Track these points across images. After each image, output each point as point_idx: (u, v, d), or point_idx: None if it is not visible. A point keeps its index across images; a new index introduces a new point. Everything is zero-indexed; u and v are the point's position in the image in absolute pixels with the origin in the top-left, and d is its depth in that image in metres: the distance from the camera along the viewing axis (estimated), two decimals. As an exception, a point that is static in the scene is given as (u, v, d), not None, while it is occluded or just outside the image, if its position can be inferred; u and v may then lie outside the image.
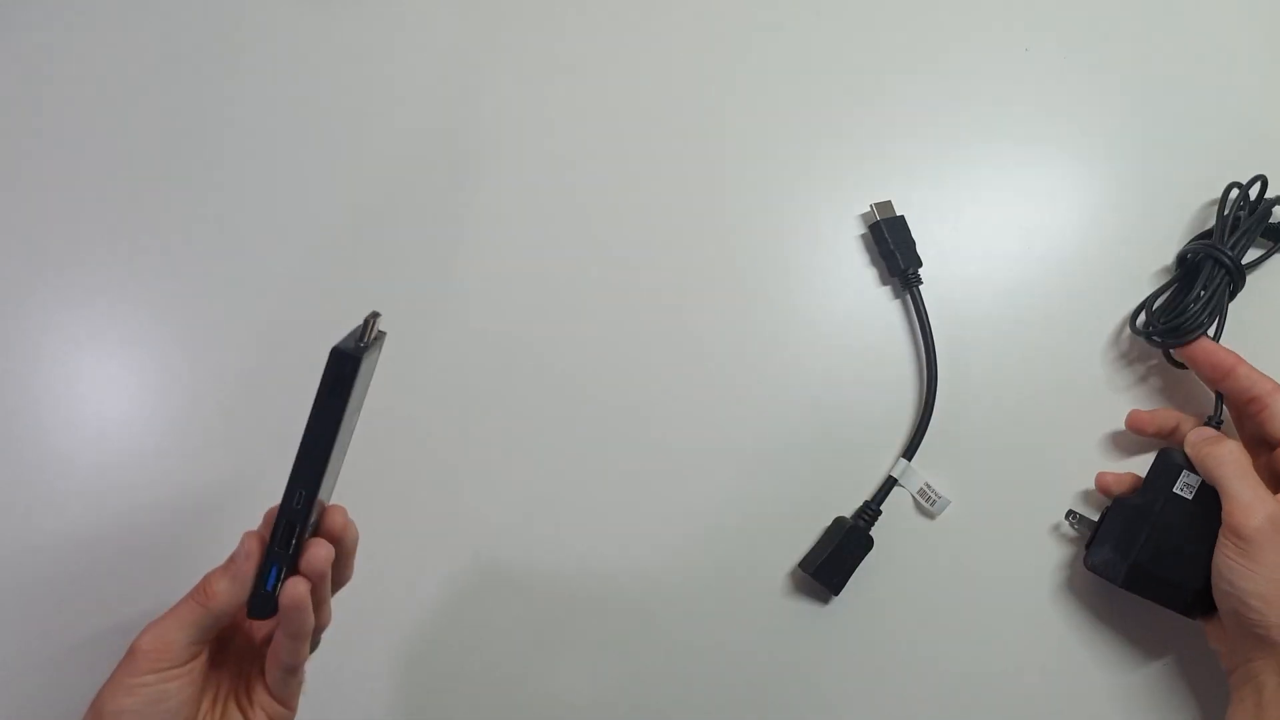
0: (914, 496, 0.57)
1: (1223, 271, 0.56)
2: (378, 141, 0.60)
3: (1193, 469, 0.53)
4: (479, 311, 0.58)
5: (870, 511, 0.56)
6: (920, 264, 0.59)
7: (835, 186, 0.61)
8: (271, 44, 0.61)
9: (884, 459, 0.57)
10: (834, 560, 0.55)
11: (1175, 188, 0.61)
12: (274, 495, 0.45)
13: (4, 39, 0.60)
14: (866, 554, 0.55)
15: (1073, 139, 0.62)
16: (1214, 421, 0.55)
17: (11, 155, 0.58)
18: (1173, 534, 0.52)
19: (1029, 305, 0.60)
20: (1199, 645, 0.53)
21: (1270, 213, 0.58)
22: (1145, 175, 0.62)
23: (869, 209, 0.60)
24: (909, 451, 0.57)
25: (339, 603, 0.44)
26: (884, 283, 0.60)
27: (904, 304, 0.60)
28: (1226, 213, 0.58)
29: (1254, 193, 0.58)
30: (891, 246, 0.58)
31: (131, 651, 0.39)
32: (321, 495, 0.41)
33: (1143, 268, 0.60)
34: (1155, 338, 0.57)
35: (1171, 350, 0.57)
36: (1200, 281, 0.56)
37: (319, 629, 0.43)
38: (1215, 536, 0.50)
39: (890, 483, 0.56)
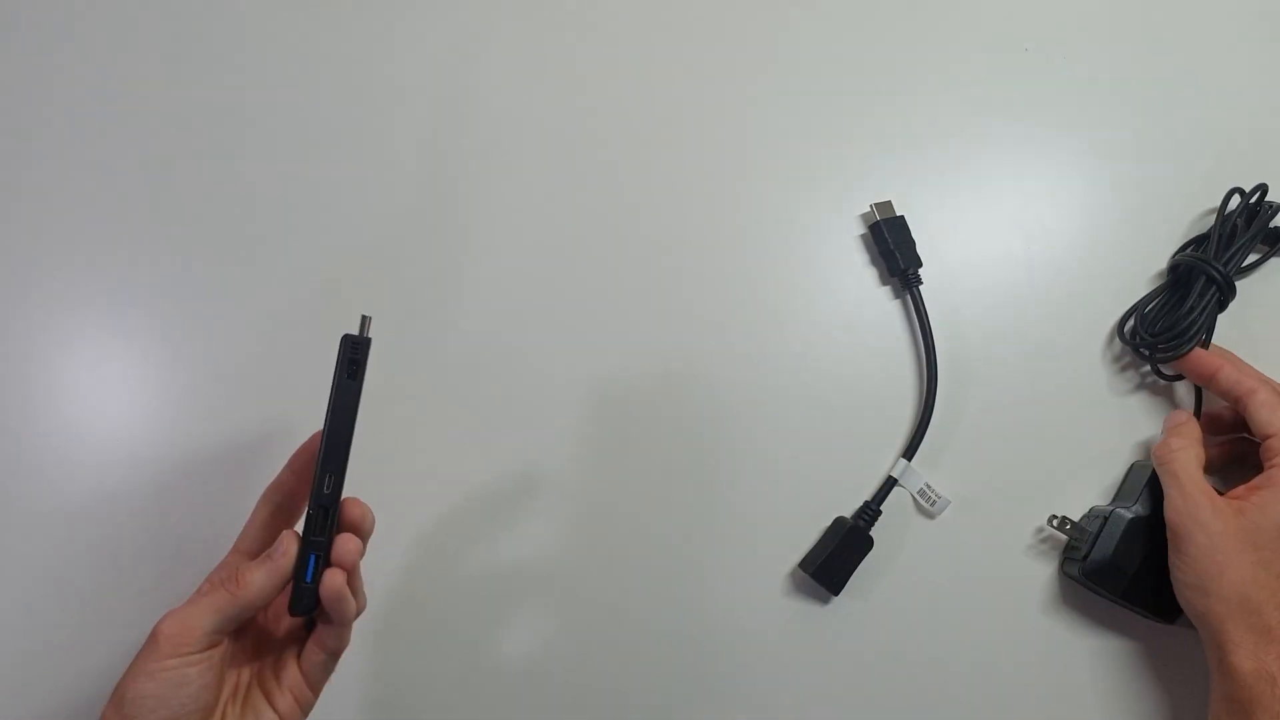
0: (914, 496, 0.57)
1: (1214, 288, 0.56)
2: (380, 142, 0.60)
3: None
4: (480, 310, 0.58)
5: (870, 511, 0.56)
6: (920, 264, 0.59)
7: (835, 186, 0.61)
8: (273, 44, 0.61)
9: (884, 459, 0.57)
10: (834, 560, 0.55)
11: (1175, 188, 0.62)
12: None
13: (4, 40, 0.59)
14: (866, 554, 0.55)
15: (1073, 139, 0.63)
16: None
17: (12, 156, 0.57)
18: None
19: (1029, 305, 0.60)
20: (1197, 643, 0.54)
21: (1269, 221, 0.58)
22: (1145, 176, 0.62)
23: (869, 209, 0.60)
24: (909, 451, 0.57)
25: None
26: (884, 283, 0.60)
27: (904, 304, 0.60)
28: (1225, 221, 0.58)
29: (1253, 200, 0.59)
30: (891, 246, 0.58)
31: (153, 636, 0.39)
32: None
33: (1143, 269, 0.60)
34: (1143, 350, 0.57)
35: (1160, 365, 0.57)
36: (1191, 298, 0.56)
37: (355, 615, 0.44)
38: None
39: (890, 483, 0.56)
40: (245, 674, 0.44)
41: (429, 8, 0.62)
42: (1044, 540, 0.57)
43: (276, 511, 0.44)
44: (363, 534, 0.44)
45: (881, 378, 0.58)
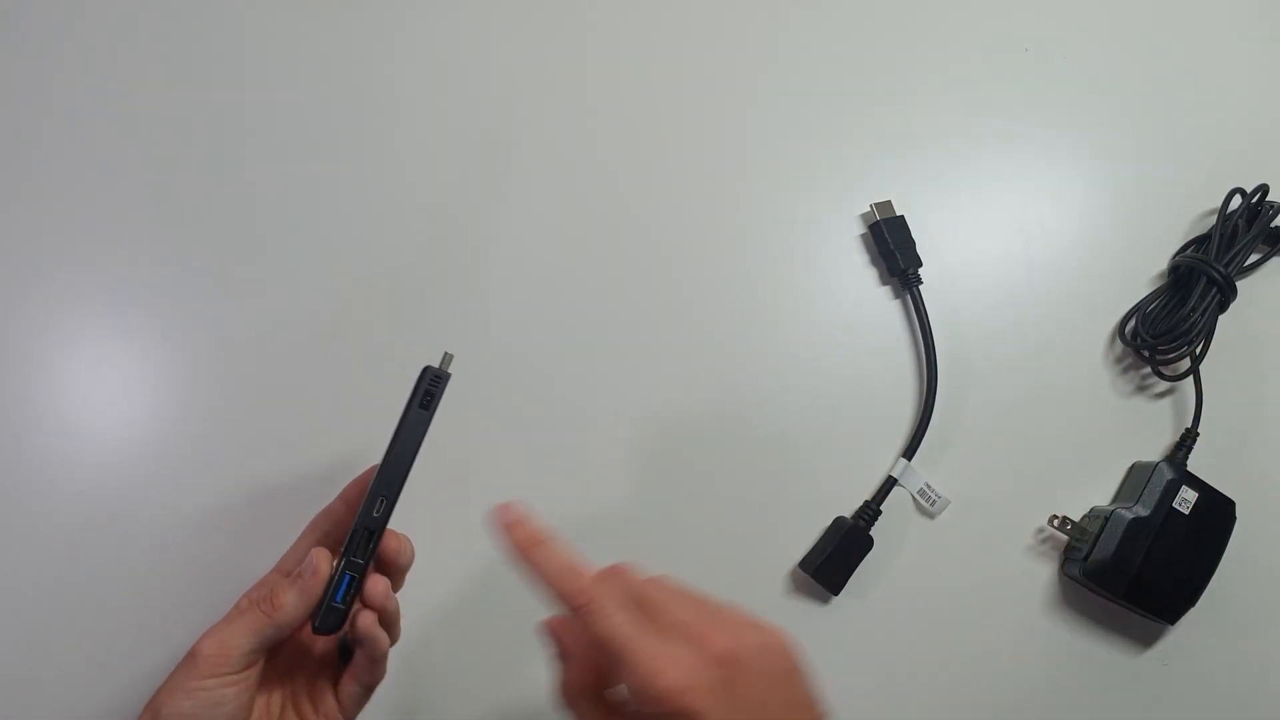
0: (914, 496, 0.57)
1: (1215, 289, 0.56)
2: (381, 143, 0.60)
3: (1190, 484, 0.54)
4: (485, 312, 0.58)
5: (870, 511, 0.56)
6: (920, 264, 0.59)
7: (835, 186, 0.61)
8: (274, 44, 0.61)
9: (884, 459, 0.57)
10: (834, 560, 0.54)
11: (1176, 188, 0.62)
12: (280, 500, 0.45)
13: (5, 41, 0.59)
14: (866, 554, 0.55)
15: (1073, 139, 0.63)
16: (1191, 435, 0.57)
17: (12, 156, 0.57)
18: (1171, 548, 0.53)
19: (1029, 306, 0.60)
20: (1198, 642, 0.54)
21: (1270, 221, 0.58)
22: (1146, 176, 0.62)
23: (869, 209, 0.60)
24: (909, 451, 0.57)
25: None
26: (884, 283, 0.60)
27: (904, 304, 0.60)
28: (1226, 221, 0.58)
29: (1254, 200, 0.59)
30: (891, 246, 0.58)
31: (192, 655, 0.39)
32: None
33: (1143, 269, 0.60)
34: (1143, 351, 0.57)
35: (1160, 366, 0.57)
36: (1192, 299, 0.56)
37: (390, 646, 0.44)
38: (1210, 549, 0.54)
39: (890, 483, 0.56)
40: (279, 696, 0.44)
41: (430, 9, 0.62)
42: (1044, 540, 0.57)
43: (323, 539, 0.44)
44: (400, 567, 0.44)
45: (881, 378, 0.58)
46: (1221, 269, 0.56)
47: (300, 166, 0.59)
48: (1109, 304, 0.60)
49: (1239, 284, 0.57)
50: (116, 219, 0.57)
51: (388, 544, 0.43)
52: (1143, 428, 0.59)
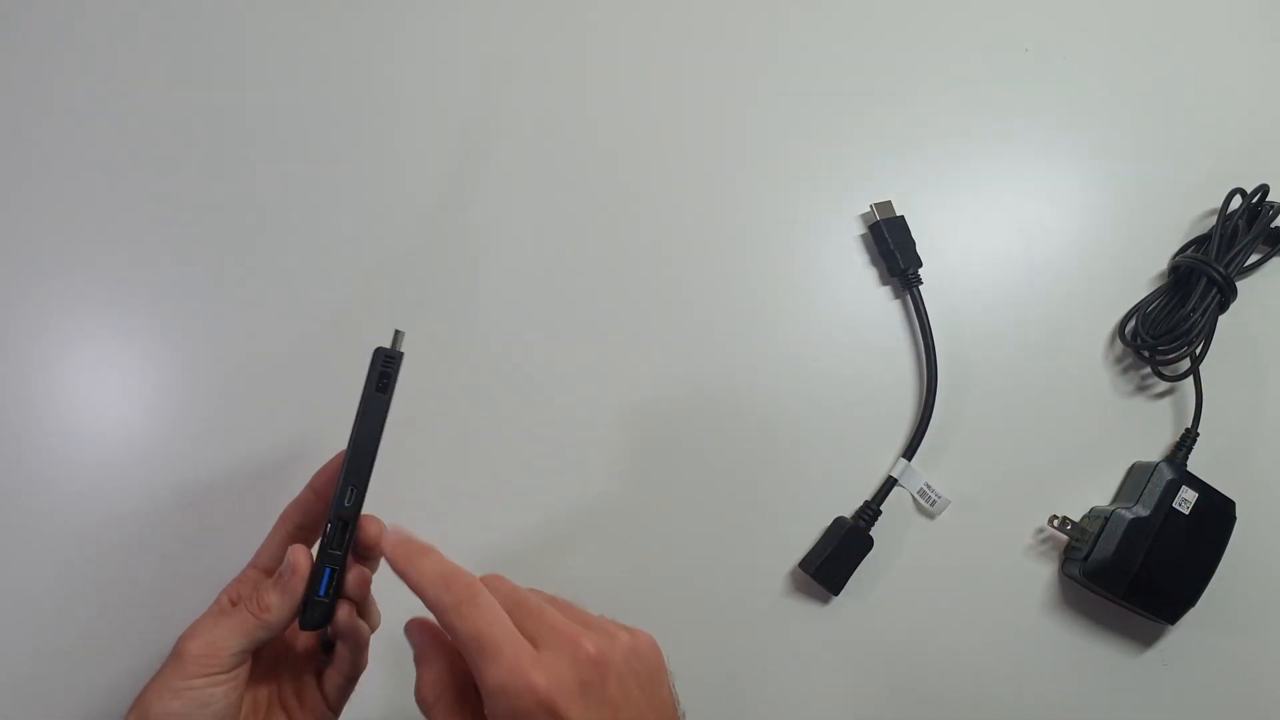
0: (914, 496, 0.57)
1: (1215, 289, 0.56)
2: (382, 144, 0.60)
3: (1190, 484, 0.54)
4: (486, 313, 0.58)
5: (870, 511, 0.56)
6: (920, 264, 0.59)
7: (835, 186, 0.61)
8: (275, 44, 0.61)
9: (884, 459, 0.57)
10: (834, 560, 0.54)
11: (1176, 188, 0.62)
12: (281, 500, 0.45)
13: (5, 41, 0.59)
14: (866, 554, 0.55)
15: (1073, 139, 0.63)
16: (1191, 435, 0.57)
17: (12, 157, 0.57)
18: (1171, 548, 0.53)
19: (1029, 306, 0.60)
20: (1198, 642, 0.54)
21: (1270, 222, 0.58)
22: (1146, 176, 0.62)
23: (869, 209, 0.60)
24: (909, 451, 0.57)
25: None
26: (884, 283, 0.60)
27: (904, 304, 0.60)
28: (1226, 221, 0.58)
29: (1254, 201, 0.59)
30: (891, 246, 0.58)
31: (179, 655, 0.39)
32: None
33: (1143, 269, 0.60)
34: (1143, 351, 0.57)
35: (1160, 367, 0.57)
36: (1192, 299, 0.56)
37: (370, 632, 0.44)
38: (1210, 549, 0.54)
39: (890, 483, 0.56)
40: (265, 692, 0.43)
41: (430, 9, 0.62)
42: (1044, 540, 0.57)
43: (297, 531, 0.44)
44: (377, 553, 0.43)
45: (881, 378, 0.58)
46: (1221, 269, 0.56)
47: (299, 166, 0.59)
48: (1109, 304, 0.60)
49: (1239, 284, 0.57)
50: (116, 219, 0.57)
51: (367, 530, 0.42)
52: (1143, 428, 0.59)
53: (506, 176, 0.60)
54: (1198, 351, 0.57)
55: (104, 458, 0.54)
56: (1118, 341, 0.59)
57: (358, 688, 0.45)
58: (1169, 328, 0.56)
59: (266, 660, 0.44)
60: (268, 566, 0.44)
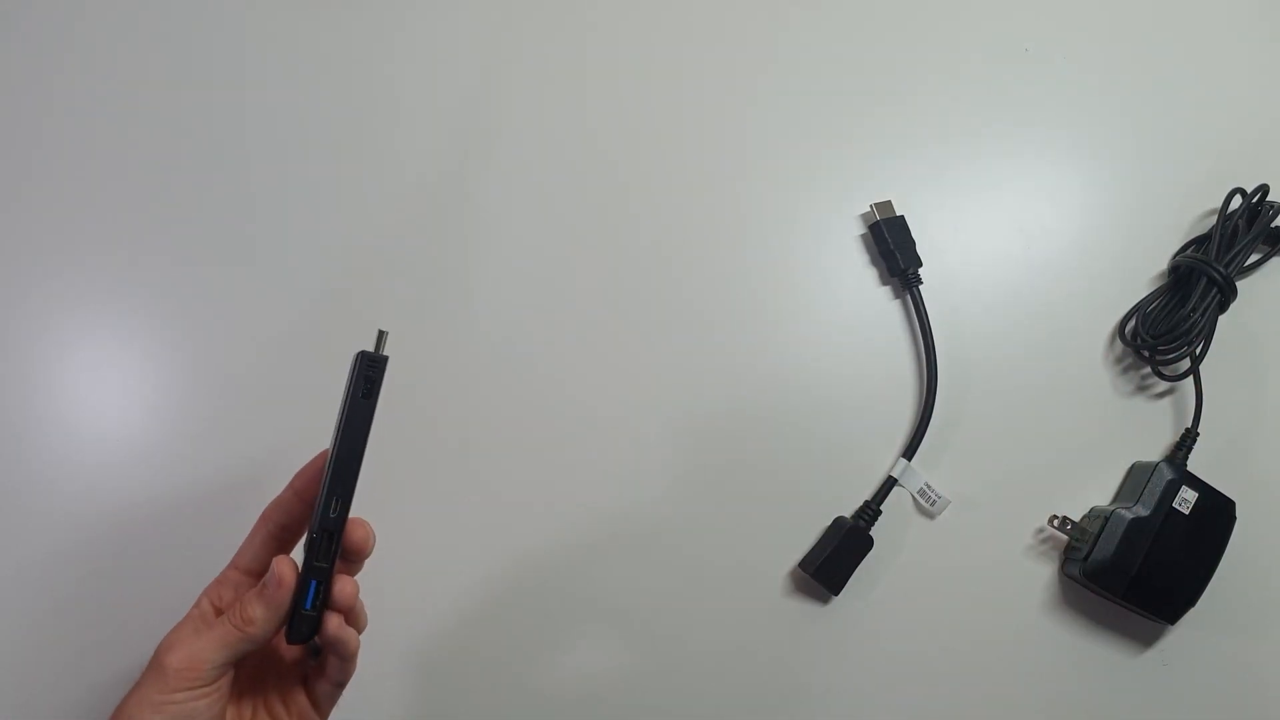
0: (914, 496, 0.57)
1: (1215, 289, 0.56)
2: (379, 143, 0.60)
3: (1190, 484, 0.54)
4: (486, 314, 0.58)
5: (870, 511, 0.56)
6: (920, 264, 0.59)
7: (835, 186, 0.61)
8: (275, 44, 0.61)
9: (884, 459, 0.57)
10: (834, 560, 0.54)
11: (1176, 188, 0.62)
12: (276, 493, 0.45)
13: (5, 41, 0.59)
14: (866, 554, 0.55)
15: (1073, 139, 0.63)
16: (1191, 435, 0.57)
17: (12, 157, 0.58)
18: (1171, 548, 0.53)
19: (1029, 306, 0.60)
20: (1198, 642, 0.54)
21: (1271, 221, 0.58)
22: (1146, 176, 0.62)
23: (869, 209, 0.60)
24: (909, 451, 0.57)
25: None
26: (884, 283, 0.60)
27: (904, 304, 0.60)
28: (1226, 221, 0.58)
29: (1254, 201, 0.59)
30: (891, 246, 0.58)
31: (160, 668, 0.39)
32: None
33: (1143, 269, 0.60)
34: (1143, 351, 0.57)
35: (1160, 367, 0.57)
36: (1192, 299, 0.56)
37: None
38: (1210, 549, 0.54)
39: (890, 483, 0.56)
40: (249, 700, 0.43)
41: (430, 9, 0.62)
42: (1044, 540, 0.57)
43: (278, 532, 0.43)
44: (364, 556, 0.43)
45: (881, 378, 0.58)
46: (1221, 269, 0.56)
47: (300, 167, 0.59)
48: (1109, 304, 0.60)
49: (1239, 284, 0.57)
50: (116, 219, 0.57)
51: (353, 534, 0.41)
52: (1143, 428, 0.59)
53: (506, 177, 0.60)
54: (1198, 351, 0.57)
55: (104, 458, 0.54)
56: (1118, 341, 0.59)
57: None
58: (1169, 328, 0.56)
59: (250, 668, 0.43)
60: (248, 567, 0.43)
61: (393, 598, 0.54)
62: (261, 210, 0.58)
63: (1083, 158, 0.62)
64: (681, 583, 0.55)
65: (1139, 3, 0.65)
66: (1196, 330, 0.55)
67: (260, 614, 0.40)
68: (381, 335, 0.40)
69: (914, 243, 0.59)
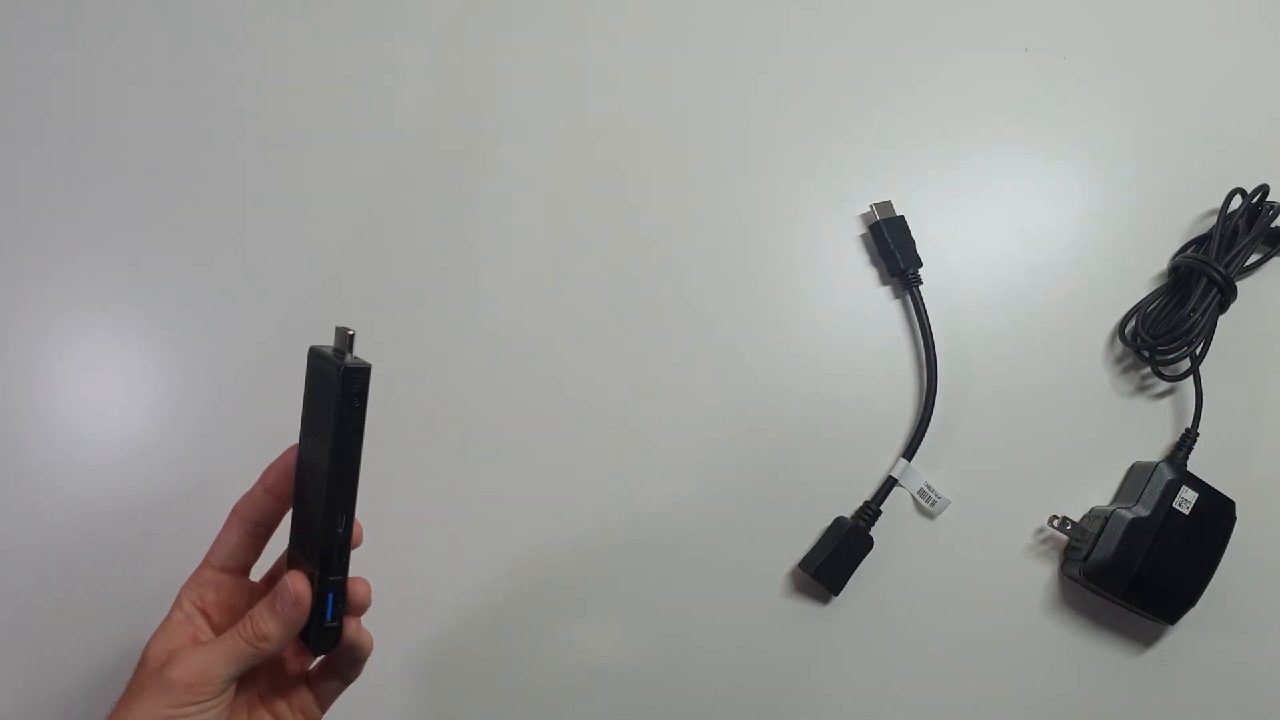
0: (914, 496, 0.57)
1: (1215, 289, 0.56)
2: (378, 143, 0.60)
3: (1190, 484, 0.54)
4: (486, 314, 0.58)
5: (870, 511, 0.56)
6: (920, 264, 0.59)
7: (835, 186, 0.61)
8: (275, 45, 0.61)
9: (884, 459, 0.57)
10: (834, 560, 0.54)
11: (1176, 188, 0.62)
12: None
13: (5, 41, 0.59)
14: (866, 554, 0.55)
15: (1073, 139, 0.62)
16: (1191, 435, 0.57)
17: (11, 157, 0.57)
18: (1171, 548, 0.53)
19: (1029, 306, 0.60)
20: (1198, 642, 0.54)
21: (1271, 222, 0.58)
22: (1146, 176, 0.62)
23: (869, 209, 0.60)
24: (909, 451, 0.57)
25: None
26: (884, 283, 0.60)
27: (904, 304, 0.60)
28: (1226, 221, 0.58)
29: (1254, 201, 0.59)
30: (891, 246, 0.58)
31: (166, 681, 0.38)
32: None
33: (1143, 269, 0.60)
34: (1143, 351, 0.57)
35: (1160, 367, 0.57)
36: (1192, 299, 0.56)
37: None
38: (1210, 549, 0.54)
39: (890, 483, 0.56)
40: (250, 699, 0.43)
41: (431, 8, 0.62)
42: (1044, 540, 0.57)
43: (253, 529, 0.43)
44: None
45: (881, 378, 0.58)
46: (1221, 269, 0.56)
47: (300, 167, 0.59)
48: (1109, 304, 0.60)
49: (1239, 284, 0.57)
50: (116, 219, 0.57)
51: (357, 591, 0.41)
52: (1143, 428, 0.59)
53: (506, 176, 0.60)
54: (1198, 351, 0.57)
55: (104, 458, 0.54)
56: (1118, 341, 0.59)
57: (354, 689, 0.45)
58: (1169, 328, 0.56)
59: (253, 668, 0.43)
60: (224, 565, 0.43)
61: (393, 597, 0.53)
62: (261, 210, 0.58)
63: (1083, 158, 0.62)
64: (682, 582, 0.55)
65: (1139, 3, 0.65)
66: (1196, 330, 0.55)
67: (276, 632, 0.39)
68: (350, 337, 0.38)
69: (914, 243, 0.59)
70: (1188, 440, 0.57)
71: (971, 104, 0.63)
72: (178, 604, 0.41)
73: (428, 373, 0.57)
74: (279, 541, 0.43)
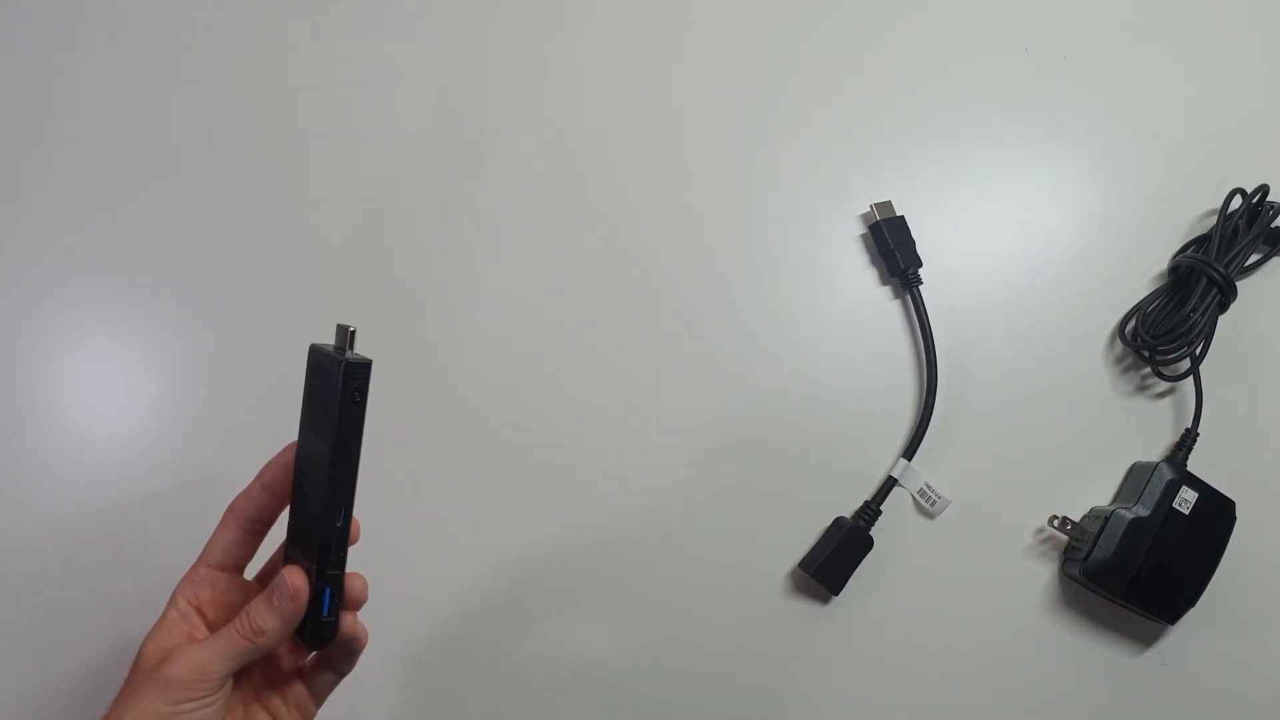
0: (914, 496, 0.57)
1: (1215, 289, 0.56)
2: (377, 143, 0.60)
3: (1190, 484, 0.54)
4: (486, 314, 0.58)
5: (870, 511, 0.56)
6: (920, 264, 0.59)
7: (835, 186, 0.61)
8: (275, 45, 0.61)
9: (884, 459, 0.57)
10: (834, 560, 0.54)
11: (1176, 188, 0.62)
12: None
13: (5, 41, 0.59)
14: (866, 554, 0.55)
15: (1073, 139, 0.62)
16: (1191, 435, 0.57)
17: (11, 157, 0.58)
18: (1172, 548, 0.53)
19: (1029, 305, 0.60)
20: (1198, 642, 0.54)
21: (1271, 222, 0.58)
22: (1146, 176, 0.62)
23: (869, 209, 0.60)
24: (909, 451, 0.57)
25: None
26: (884, 283, 0.60)
27: (904, 304, 0.60)
28: (1226, 221, 0.58)
29: (1254, 201, 0.59)
30: (891, 246, 0.58)
31: (162, 679, 0.38)
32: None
33: (1143, 269, 0.60)
34: (1144, 351, 0.57)
35: (1160, 367, 0.57)
36: (1192, 299, 0.56)
37: None
38: (1210, 549, 0.54)
39: (890, 483, 0.56)
40: (245, 694, 0.43)
41: (430, 7, 0.62)
42: (1044, 540, 0.57)
43: (249, 526, 0.43)
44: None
45: (881, 378, 0.58)
46: (1221, 269, 0.56)
47: (301, 167, 0.59)
48: (1109, 304, 0.60)
49: (1239, 284, 0.57)
50: (116, 219, 0.57)
51: (354, 586, 0.41)
52: (1143, 428, 0.59)
53: (506, 176, 0.60)
54: (1198, 351, 0.57)
55: (104, 458, 0.54)
56: (1118, 341, 0.59)
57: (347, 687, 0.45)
58: (1169, 328, 0.56)
59: (247, 664, 0.43)
60: (220, 563, 0.42)
61: (390, 594, 0.54)
62: (261, 210, 0.58)
63: (1083, 158, 0.62)
64: (682, 582, 0.55)
65: (1139, 3, 0.65)
66: (1196, 330, 0.55)
67: (273, 626, 0.39)
68: (351, 334, 0.39)
69: (914, 243, 0.59)
70: (1188, 440, 0.57)
71: (971, 104, 0.63)
72: (173, 602, 0.41)
73: (427, 372, 0.57)
74: (273, 541, 0.43)
